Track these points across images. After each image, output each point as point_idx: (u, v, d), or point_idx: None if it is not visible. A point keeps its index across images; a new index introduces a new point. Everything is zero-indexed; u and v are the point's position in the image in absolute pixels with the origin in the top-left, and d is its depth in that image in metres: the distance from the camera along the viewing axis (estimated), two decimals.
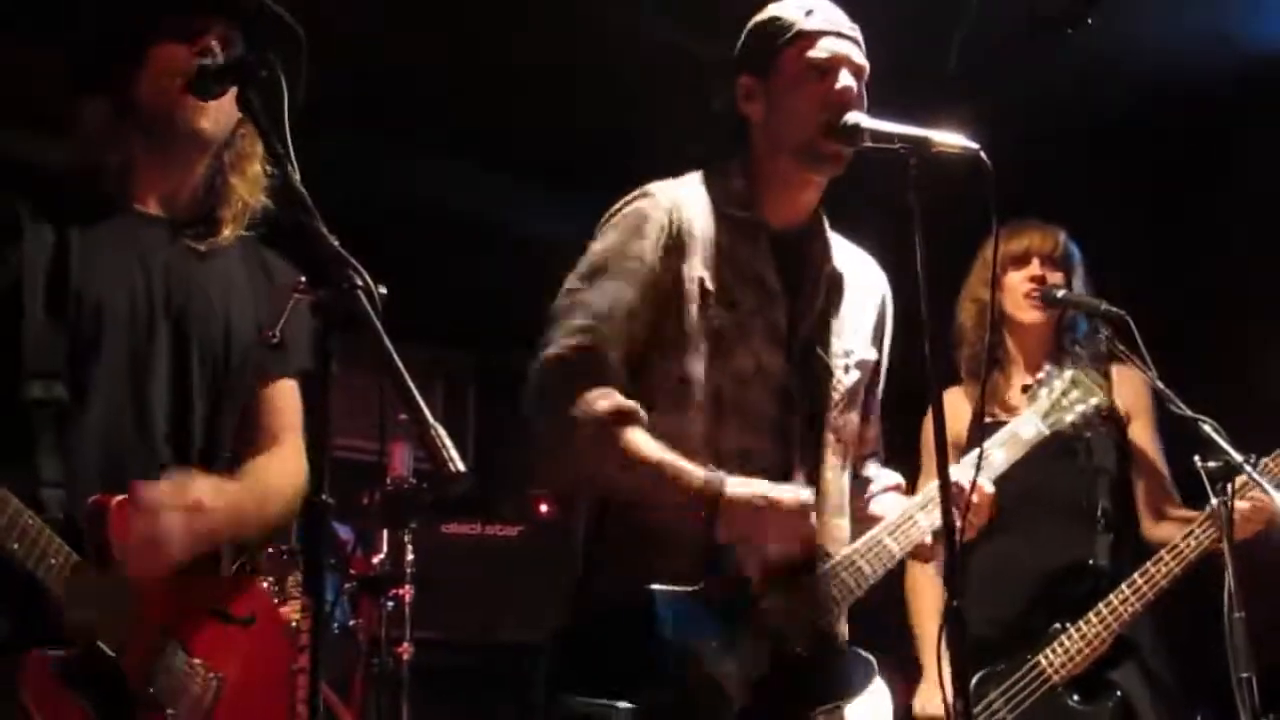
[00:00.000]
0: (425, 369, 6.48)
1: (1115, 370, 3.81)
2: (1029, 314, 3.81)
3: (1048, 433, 2.93)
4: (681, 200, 2.72)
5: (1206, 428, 3.19)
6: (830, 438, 2.76)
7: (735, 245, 2.72)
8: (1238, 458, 3.15)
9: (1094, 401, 2.99)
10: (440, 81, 5.33)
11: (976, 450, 2.68)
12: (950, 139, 2.49)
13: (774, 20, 2.76)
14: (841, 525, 2.78)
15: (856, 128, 2.59)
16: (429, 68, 5.24)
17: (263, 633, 2.67)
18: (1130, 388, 3.81)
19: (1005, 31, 4.97)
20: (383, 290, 2.08)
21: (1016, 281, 3.81)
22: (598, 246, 2.70)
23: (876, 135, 2.57)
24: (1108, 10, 4.83)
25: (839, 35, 2.73)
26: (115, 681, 2.37)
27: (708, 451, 2.61)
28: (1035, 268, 3.80)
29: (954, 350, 3.87)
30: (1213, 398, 3.35)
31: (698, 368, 2.64)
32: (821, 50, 2.70)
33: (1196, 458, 3.19)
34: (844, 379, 2.79)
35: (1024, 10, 4.90)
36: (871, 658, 2.71)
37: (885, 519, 2.75)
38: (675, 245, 2.66)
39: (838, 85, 2.67)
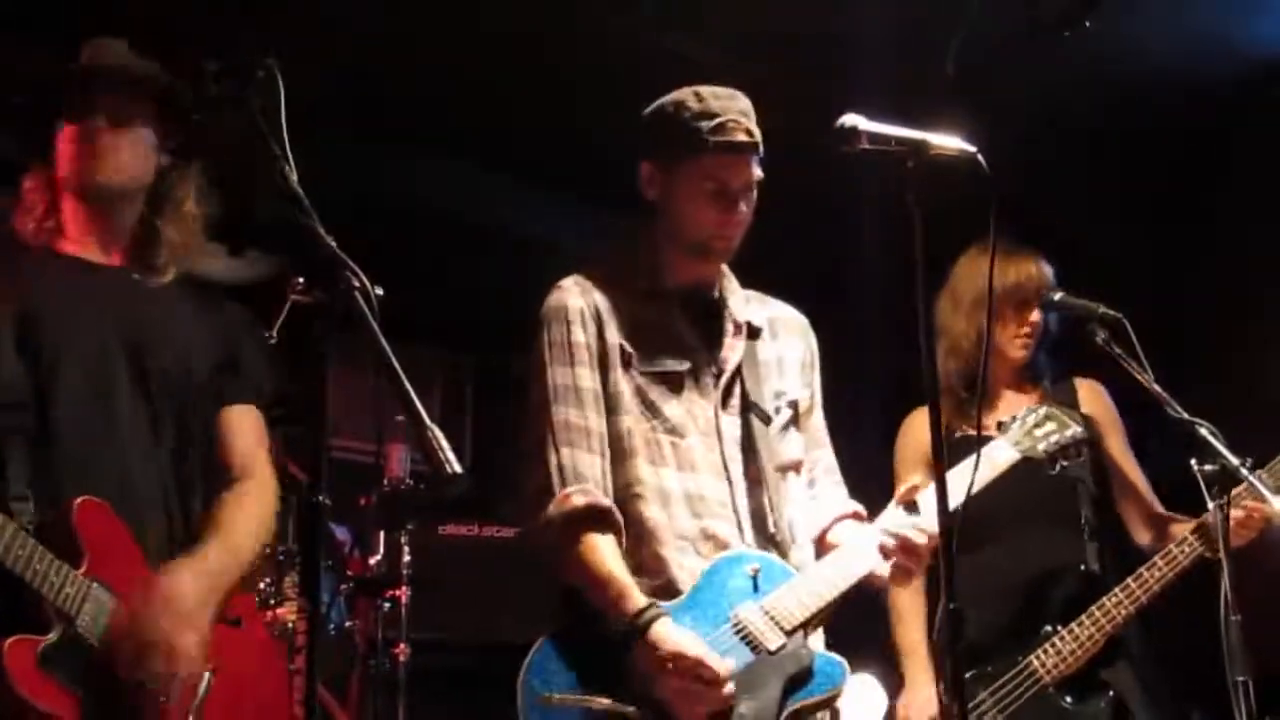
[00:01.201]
0: (423, 370, 6.48)
1: (1079, 384, 3.84)
2: (1018, 354, 3.84)
3: (1018, 457, 2.99)
4: (590, 284, 2.92)
5: (1203, 431, 3.18)
6: (773, 474, 2.87)
7: (647, 313, 2.90)
8: (1234, 461, 3.14)
9: (1068, 433, 3.03)
10: (440, 81, 5.33)
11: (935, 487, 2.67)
12: (948, 142, 2.49)
13: (679, 122, 2.86)
14: (796, 551, 2.86)
15: (853, 130, 2.59)
16: (429, 68, 5.24)
17: (250, 635, 2.76)
18: (1095, 401, 3.83)
19: (1005, 33, 4.96)
20: (379, 291, 2.09)
21: (1015, 326, 3.81)
22: (541, 346, 2.87)
23: (874, 138, 2.57)
24: (1107, 12, 4.82)
25: (739, 149, 2.83)
26: (99, 668, 2.42)
27: (657, 498, 2.77)
28: (1036, 315, 3.81)
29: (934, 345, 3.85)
30: (1212, 399, 3.34)
31: (632, 422, 2.81)
32: (719, 176, 2.83)
33: (1193, 461, 3.18)
34: (777, 419, 2.93)
35: (1023, 13, 4.90)
36: (843, 660, 2.75)
37: (849, 542, 2.84)
38: (595, 319, 2.86)
39: (733, 218, 2.85)
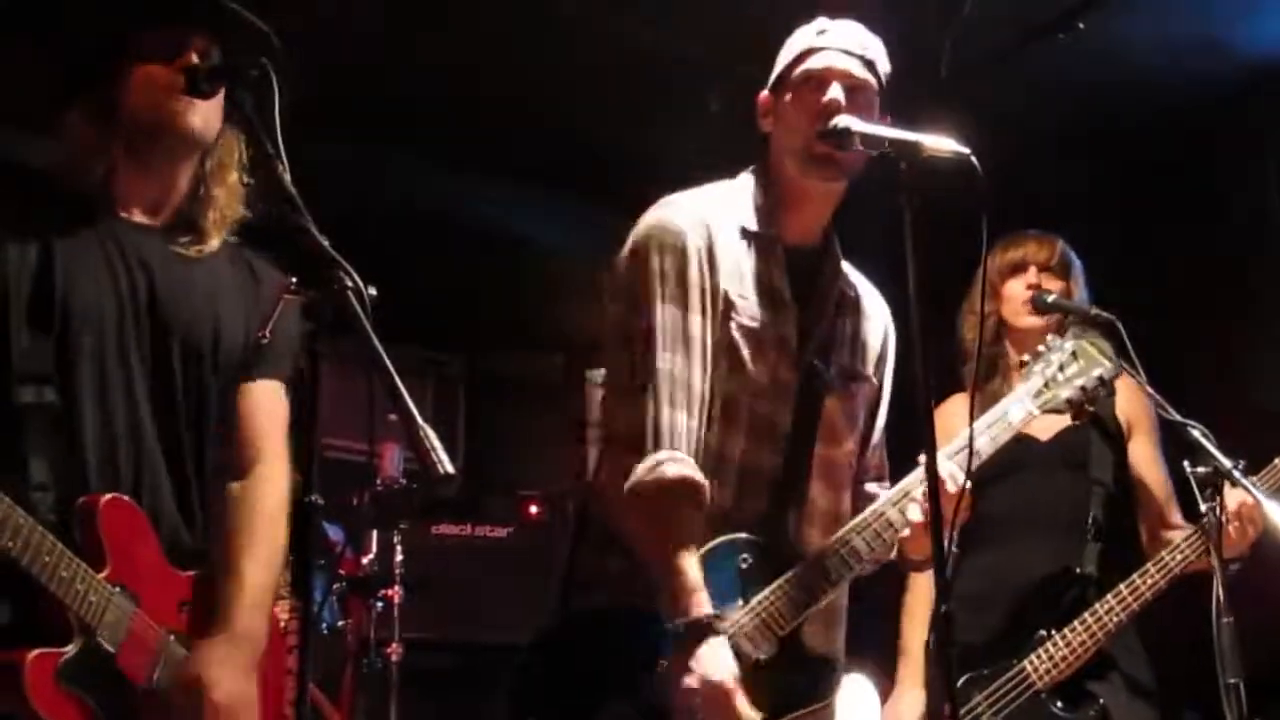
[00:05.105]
0: (415, 370, 6.49)
1: (1121, 382, 3.80)
2: (1025, 320, 3.80)
3: (1038, 413, 2.84)
4: (707, 214, 2.73)
5: (1196, 433, 3.18)
6: (820, 456, 2.76)
7: (754, 258, 2.75)
8: (1227, 463, 3.14)
9: (1096, 373, 2.87)
10: (438, 84, 5.33)
11: (963, 444, 2.63)
12: (942, 143, 2.49)
13: (790, 42, 2.82)
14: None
15: (846, 131, 2.59)
16: (426, 69, 5.24)
17: None
18: (1133, 401, 3.80)
19: (998, 37, 4.98)
20: (372, 291, 2.09)
21: (1014, 290, 3.80)
22: (649, 272, 2.67)
23: (867, 139, 2.57)
24: (1100, 16, 4.84)
25: (843, 52, 2.75)
26: (117, 677, 2.37)
27: (716, 462, 2.64)
28: (1031, 275, 3.79)
29: (962, 367, 3.86)
30: (1206, 403, 3.34)
31: (718, 382, 2.66)
32: (817, 62, 2.73)
33: (1186, 463, 3.18)
34: (850, 398, 2.82)
35: (1017, 16, 4.91)
36: (838, 663, 2.70)
37: (858, 516, 2.72)
38: (710, 259, 2.69)
39: (826, 96, 2.69)
